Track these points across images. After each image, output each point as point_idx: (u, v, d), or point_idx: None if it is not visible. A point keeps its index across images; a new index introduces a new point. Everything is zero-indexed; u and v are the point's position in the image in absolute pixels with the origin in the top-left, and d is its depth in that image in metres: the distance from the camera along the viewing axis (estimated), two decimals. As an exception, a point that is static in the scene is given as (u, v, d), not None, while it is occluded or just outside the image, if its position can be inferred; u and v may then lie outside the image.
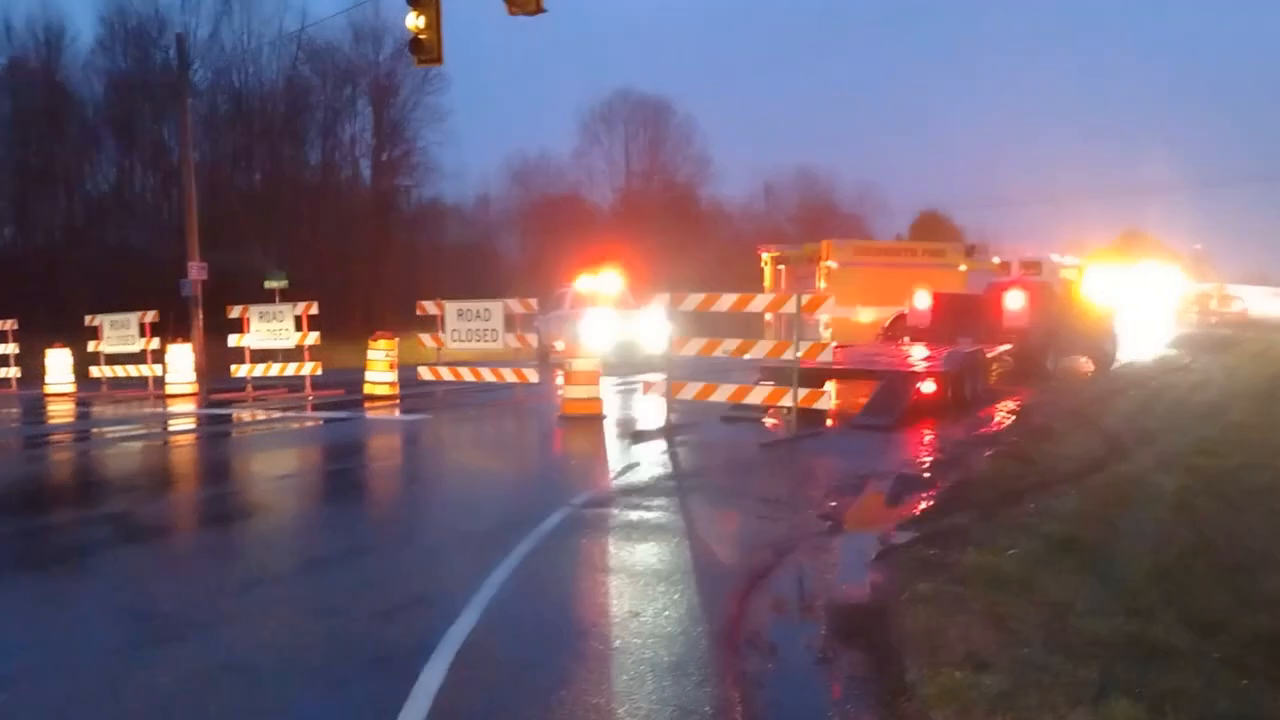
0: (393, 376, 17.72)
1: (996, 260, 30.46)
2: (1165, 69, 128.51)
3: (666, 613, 5.64)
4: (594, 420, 13.91)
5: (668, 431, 12.82)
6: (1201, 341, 33.56)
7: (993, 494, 8.70)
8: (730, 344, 13.11)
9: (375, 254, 38.96)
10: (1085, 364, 22.50)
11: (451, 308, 16.77)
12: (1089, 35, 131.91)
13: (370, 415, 15.83)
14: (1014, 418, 14.30)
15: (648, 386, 13.80)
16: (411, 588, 6.29)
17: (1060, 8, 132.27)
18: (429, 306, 17.25)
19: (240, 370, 19.43)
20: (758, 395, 13.10)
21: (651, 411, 14.45)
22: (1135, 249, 55.53)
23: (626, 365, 21.82)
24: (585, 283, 27.41)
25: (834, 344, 14.70)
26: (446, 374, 16.78)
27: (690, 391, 13.42)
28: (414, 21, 15.08)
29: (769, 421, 13.93)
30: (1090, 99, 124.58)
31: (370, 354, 17.90)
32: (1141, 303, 36.98)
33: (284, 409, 16.53)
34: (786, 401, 12.54)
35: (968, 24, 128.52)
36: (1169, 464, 9.86)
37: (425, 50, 15.29)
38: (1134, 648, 4.88)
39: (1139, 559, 6.51)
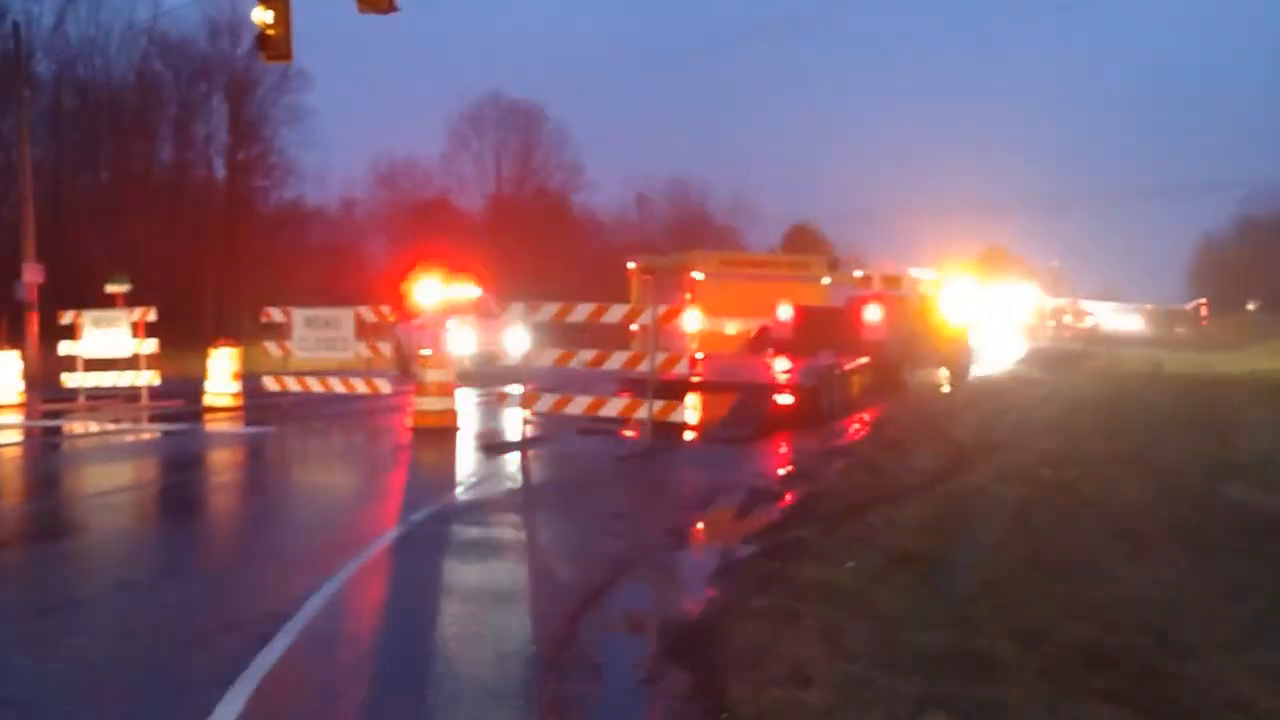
0: (236, 387, 16.97)
1: (858, 274, 31.06)
2: (1027, 90, 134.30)
3: (494, 634, 5.40)
4: (447, 433, 13.53)
5: (522, 445, 12.55)
6: (1053, 356, 34.91)
7: (839, 506, 8.72)
8: (586, 355, 12.93)
9: (229, 257, 37.57)
10: (942, 377, 23.08)
11: (299, 315, 16.13)
12: (955, 55, 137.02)
13: (209, 428, 15.11)
14: (868, 430, 14.49)
15: (501, 398, 13.51)
16: (225, 612, 5.89)
17: (929, 28, 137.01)
18: (275, 313, 16.57)
19: (72, 379, 18.34)
20: (614, 407, 12.94)
21: (509, 424, 14.16)
22: (995, 265, 57.61)
23: (488, 376, 21.44)
24: (447, 290, 26.85)
25: (696, 355, 14.66)
26: (294, 384, 16.13)
27: (546, 403, 13.18)
28: (261, 16, 14.49)
29: (628, 434, 13.79)
30: (956, 118, 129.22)
31: (211, 363, 17.11)
32: (998, 317, 38.32)
33: (117, 421, 15.64)
34: (643, 414, 12.41)
35: (840, 40, 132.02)
36: (1011, 475, 10.05)
37: (274, 46, 14.71)
38: (959, 660, 4.86)
39: (972, 571, 6.54)
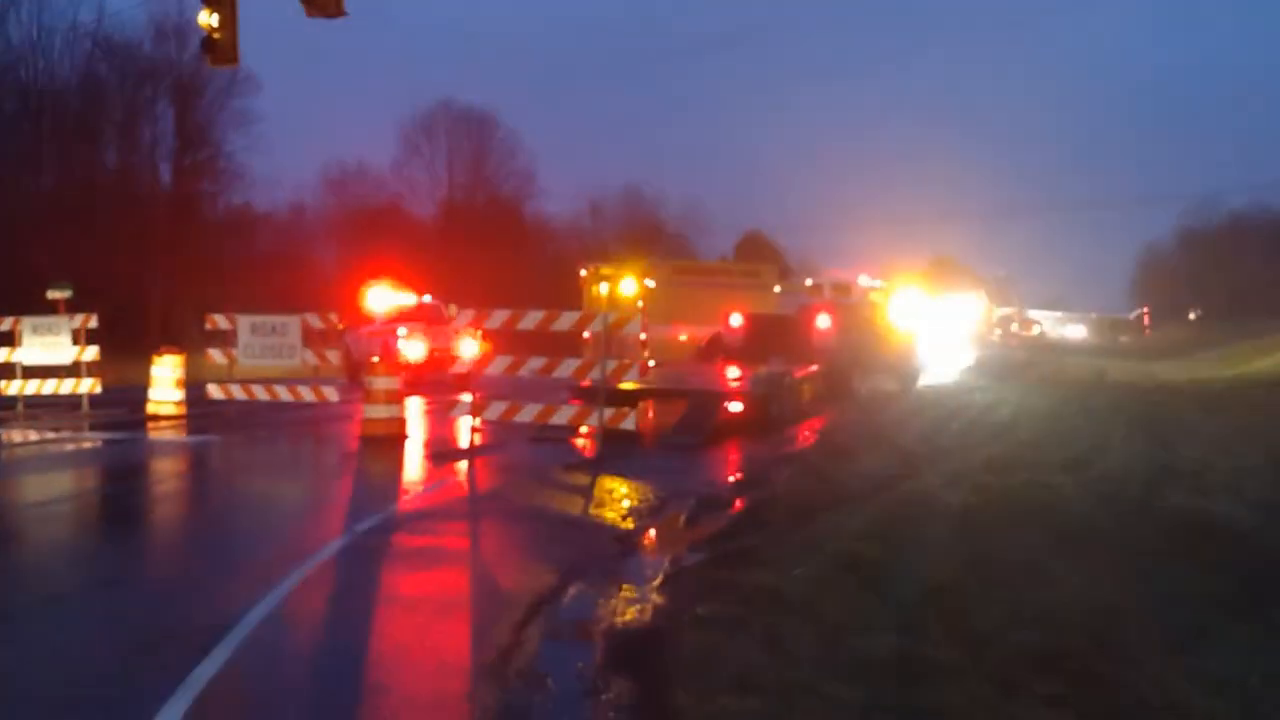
0: (180, 395, 16.66)
1: (809, 282, 31.29)
2: (975, 103, 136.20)
3: (436, 645, 5.34)
4: (395, 441, 13.38)
5: (471, 453, 12.46)
6: (1000, 363, 35.33)
7: (787, 513, 8.72)
8: (536, 362, 12.87)
9: (175, 264, 36.91)
10: (891, 384, 23.26)
11: (245, 322, 15.89)
12: (905, 68, 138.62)
13: (152, 436, 14.81)
14: (817, 437, 14.55)
15: (449, 406, 13.41)
16: (164, 623, 5.77)
17: (880, 41, 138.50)
18: (220, 320, 16.32)
19: (11, 387, 17.91)
20: (565, 415, 12.89)
21: (459, 432, 14.05)
22: (943, 274, 58.27)
23: (437, 384, 21.26)
24: (397, 297, 26.63)
25: (648, 363, 14.65)
26: (239, 393, 15.89)
27: (495, 411, 13.10)
28: (207, 20, 14.29)
29: (579, 442, 13.74)
30: (906, 129, 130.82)
31: (154, 370, 16.78)
32: (946, 326, 38.73)
33: (57, 429, 15.30)
34: (593, 421, 12.37)
35: (793, 51, 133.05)
36: (957, 481, 10.13)
37: (219, 50, 14.51)
38: (903, 666, 4.87)
39: (917, 576, 6.58)
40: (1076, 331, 66.11)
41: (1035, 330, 64.65)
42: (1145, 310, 70.12)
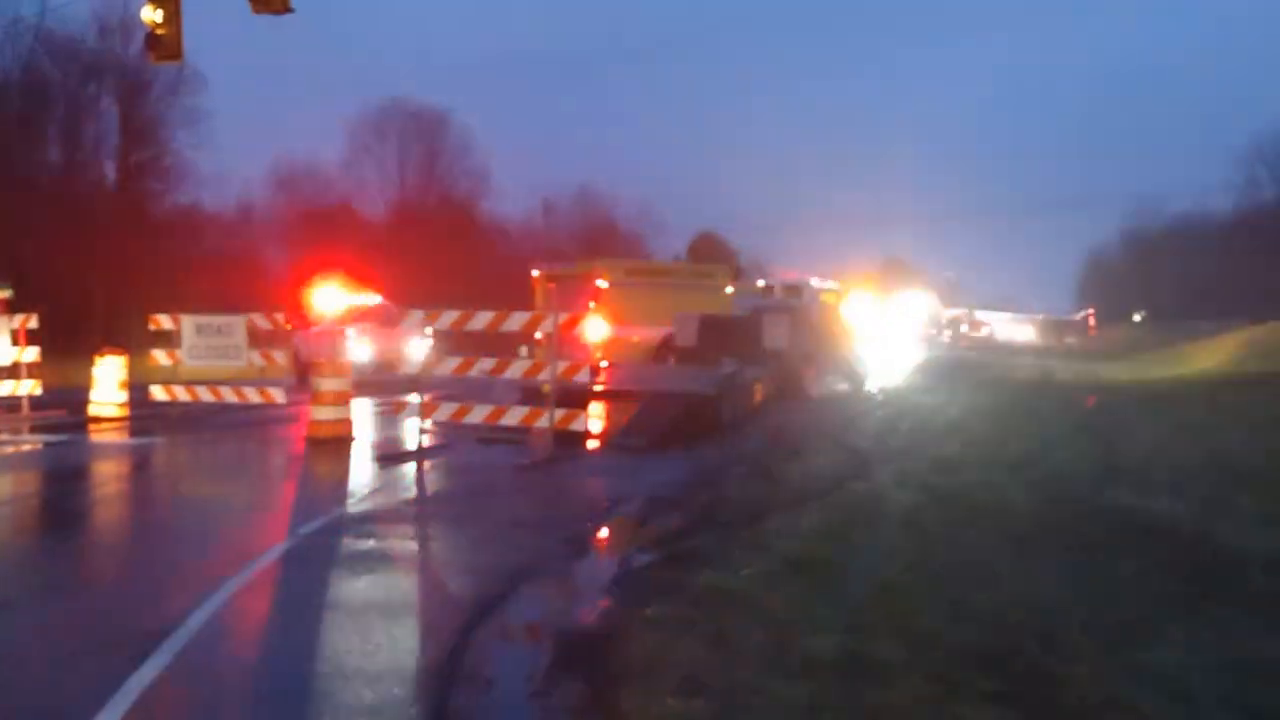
0: (123, 397, 16.34)
1: (761, 283, 31.42)
2: (926, 107, 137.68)
3: (380, 650, 5.26)
4: (342, 443, 13.22)
5: (419, 454, 12.34)
6: (949, 364, 35.70)
7: (737, 514, 8.74)
8: (486, 363, 12.77)
9: (120, 263, 36.22)
10: (842, 385, 23.41)
11: (189, 322, 15.62)
12: (858, 72, 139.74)
13: (94, 438, 14.51)
14: (768, 437, 14.59)
15: (399, 407, 13.27)
16: (101, 630, 5.63)
17: (833, 45, 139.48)
18: (164, 321, 16.03)
19: (-52, 389, 17.47)
20: (515, 416, 12.80)
21: (408, 434, 13.91)
22: (894, 275, 58.84)
23: (387, 385, 21.05)
24: (346, 298, 26.32)
25: (600, 363, 14.60)
26: (184, 394, 15.61)
27: (445, 413, 12.99)
28: (151, 15, 14.06)
29: (529, 443, 13.65)
30: (859, 132, 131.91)
31: (97, 372, 16.44)
32: (896, 327, 39.09)
33: (-5, 431, 14.93)
34: (544, 422, 12.31)
35: (747, 53, 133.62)
36: (906, 481, 10.21)
37: (163, 46, 14.28)
38: (850, 665, 4.88)
39: (865, 576, 6.61)
40: (1024, 332, 66.99)
41: (984, 331, 65.39)
42: (1091, 311, 71.28)
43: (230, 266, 42.75)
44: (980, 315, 68.12)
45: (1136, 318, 70.92)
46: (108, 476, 11.77)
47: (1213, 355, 31.64)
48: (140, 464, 12.56)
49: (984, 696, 4.55)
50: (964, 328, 63.58)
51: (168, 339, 16.04)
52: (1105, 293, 79.26)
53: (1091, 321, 69.89)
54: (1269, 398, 17.43)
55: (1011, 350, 51.48)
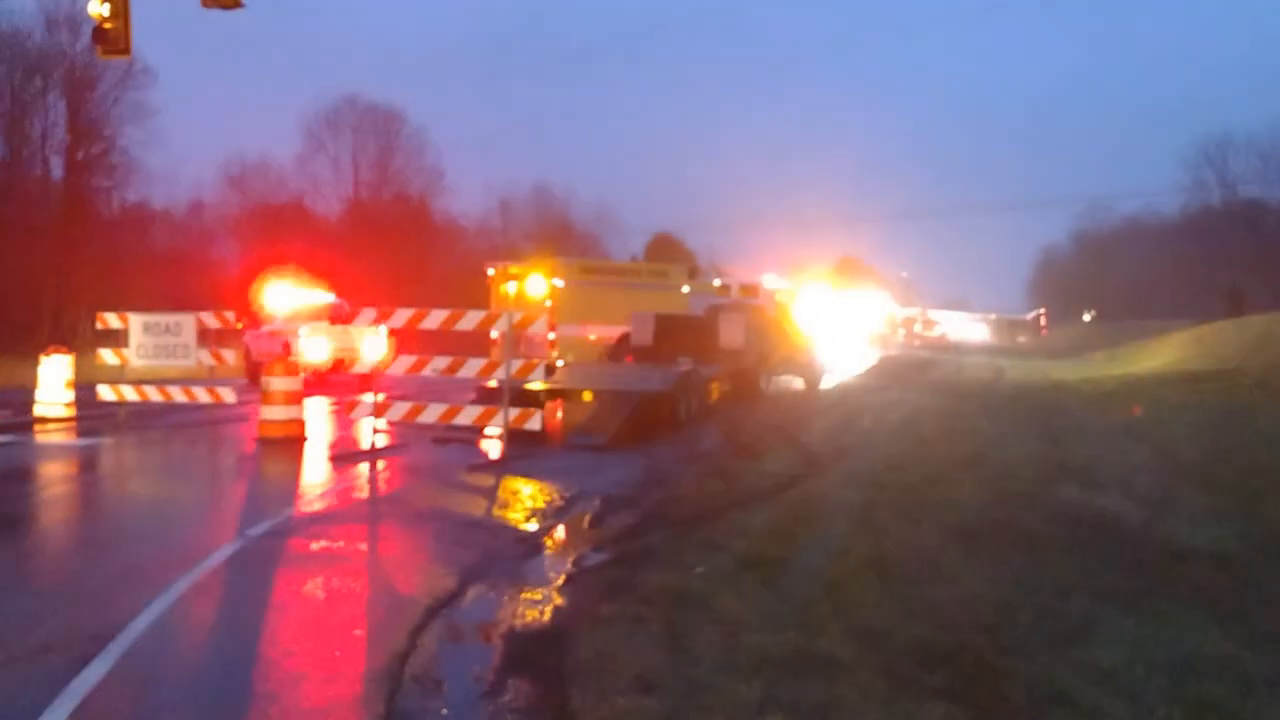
0: (69, 396, 16.04)
1: (717, 283, 31.45)
2: (882, 108, 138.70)
3: (329, 651, 5.21)
4: (294, 443, 13.07)
5: (372, 454, 12.23)
6: (903, 363, 36.02)
7: (691, 512, 8.76)
8: (440, 362, 12.69)
9: (67, 261, 35.62)
10: (797, 384, 23.54)
11: (137, 321, 15.35)
12: (813, 73, 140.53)
13: (39, 439, 14.23)
14: (723, 436, 14.63)
15: (351, 407, 13.15)
16: (40, 634, 5.51)
17: (788, 46, 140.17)
18: (111, 319, 15.75)
19: (-112, 389, 17.09)
20: (469, 415, 12.73)
21: (360, 433, 13.79)
22: (849, 275, 59.22)
23: (339, 384, 20.86)
24: (299, 296, 26.04)
25: (555, 363, 14.54)
26: (132, 394, 15.35)
27: (399, 412, 12.89)
28: (98, 9, 13.82)
29: (484, 443, 13.59)
30: (815, 133, 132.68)
31: (42, 371, 16.13)
32: (851, 326, 39.36)
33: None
34: (499, 422, 12.25)
35: (703, 54, 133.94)
36: (858, 480, 10.28)
37: (111, 40, 14.05)
38: (799, 661, 4.91)
39: (817, 573, 6.65)
40: (977, 332, 67.76)
41: (937, 330, 66.02)
42: (1042, 311, 72.24)
43: (181, 264, 42.20)
44: (933, 315, 68.80)
45: (1087, 317, 71.97)
46: (53, 478, 11.55)
47: (1160, 353, 32.18)
48: (87, 465, 12.33)
49: (932, 692, 4.59)
50: (917, 327, 64.17)
51: (116, 338, 15.76)
52: (1056, 293, 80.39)
53: (1043, 321, 70.83)
54: (1214, 395, 17.75)
55: (964, 349, 52.04)
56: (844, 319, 37.19)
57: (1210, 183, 68.61)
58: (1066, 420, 16.00)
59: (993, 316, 71.98)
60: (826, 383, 24.66)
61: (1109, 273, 75.70)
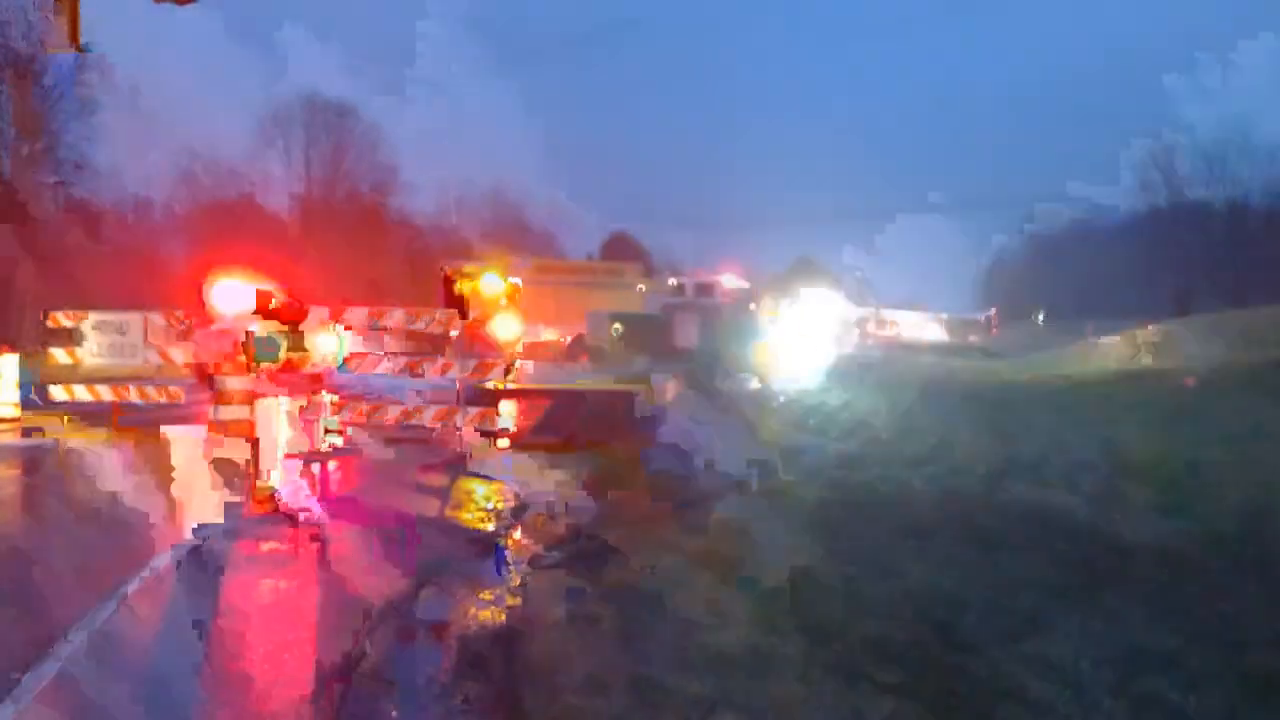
0: (16, 396, 15.69)
1: (673, 282, 31.54)
2: (838, 108, 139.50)
3: (280, 654, 5.15)
4: (244, 443, 12.87)
5: (325, 454, 12.10)
6: (857, 362, 36.24)
7: (645, 511, 8.78)
8: (396, 361, 12.57)
9: (12, 259, 34.90)
10: (752, 383, 23.63)
11: (89, 319, 15.07)
12: (768, 72, 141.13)
13: (-16, 440, 13.94)
14: (678, 435, 14.64)
15: (305, 406, 12.97)
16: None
17: (742, 45, 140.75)
18: (62, 318, 15.44)
19: None
20: (425, 415, 12.62)
21: (314, 433, 13.62)
22: (805, 274, 59.51)
23: (293, 383, 20.56)
24: (249, 294, 25.71)
25: (510, 362, 14.45)
26: (84, 393, 15.06)
27: (352, 411, 12.75)
28: (45, 2, 13.56)
29: (439, 443, 13.49)
30: (771, 132, 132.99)
31: (-14, 370, 15.79)
32: (805, 325, 39.55)
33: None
34: (455, 421, 12.17)
35: (658, 52, 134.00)
36: (813, 477, 10.37)
37: (57, 34, 13.77)
38: (751, 659, 4.94)
39: (771, 570, 6.69)
40: (930, 331, 68.29)
41: (891, 330, 66.44)
42: (994, 311, 73.06)
43: (130, 262, 41.50)
44: (887, 314, 69.23)
45: (1038, 317, 72.86)
46: (-3, 479, 11.32)
47: (1108, 353, 32.67)
48: (32, 466, 12.08)
49: (883, 688, 4.64)
50: (872, 326, 64.54)
51: (67, 336, 15.44)
52: (1007, 293, 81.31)
53: (994, 321, 71.62)
54: (1159, 393, 18.08)
55: (917, 349, 52.47)
56: (799, 318, 37.39)
57: (1157, 185, 69.81)
58: (1016, 418, 16.22)
59: (945, 316, 72.59)
60: (781, 381, 24.78)
61: (1059, 273, 76.71)
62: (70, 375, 15.49)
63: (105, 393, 15.07)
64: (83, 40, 14.31)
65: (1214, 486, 10.19)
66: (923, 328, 68.77)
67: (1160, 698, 4.81)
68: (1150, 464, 11.48)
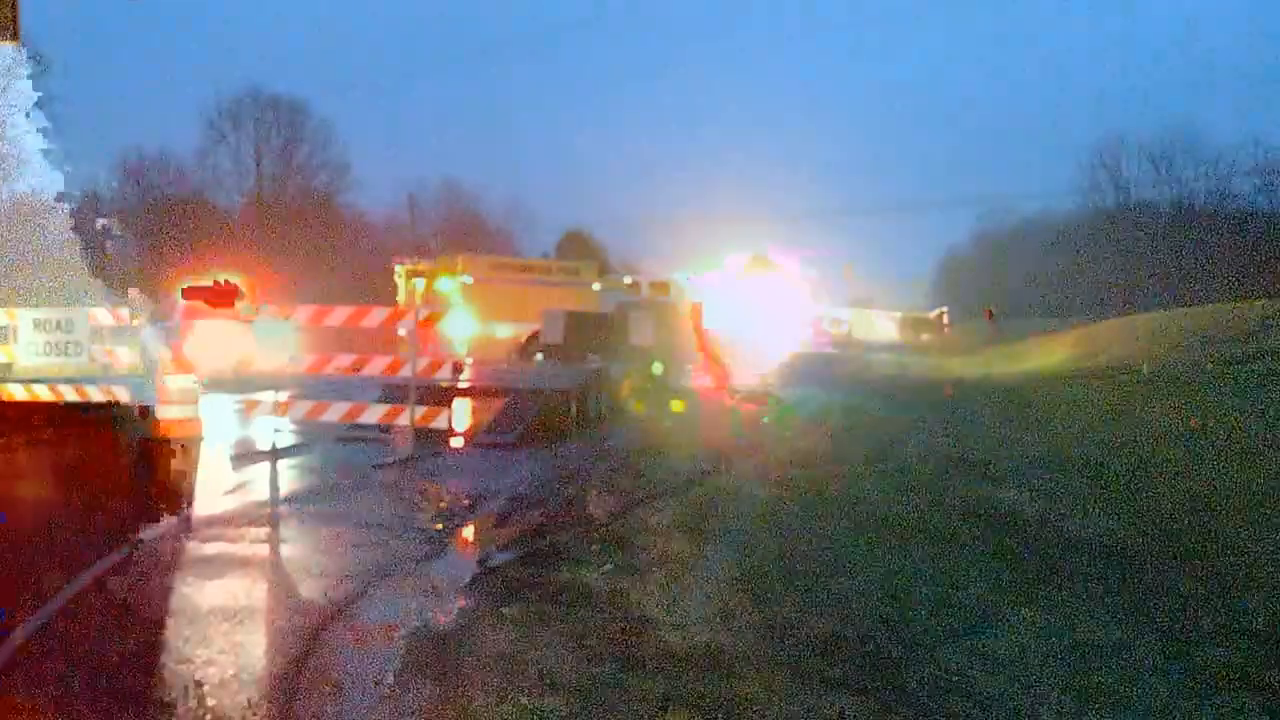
0: (-56, 396, 15.32)
1: (628, 280, 31.54)
2: (793, 107, 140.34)
3: (225, 657, 5.05)
4: (190, 443, 12.67)
5: (272, 454, 11.95)
6: (812, 360, 36.47)
7: (600, 510, 8.77)
8: (344, 360, 12.45)
9: (-50, 255, 34.13)
10: (707, 381, 23.65)
11: (26, 316, 14.76)
12: (724, 72, 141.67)
13: (-84, 441, 13.59)
14: (632, 433, 14.65)
15: (251, 406, 12.82)
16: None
17: (699, 44, 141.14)
18: (-1, 315, 15.12)
19: None
20: (374, 414, 12.50)
21: (260, 433, 13.44)
22: (761, 272, 59.66)
23: (239, 382, 20.30)
24: (196, 291, 25.31)
25: (465, 360, 14.39)
26: (20, 393, 14.73)
27: (301, 410, 12.61)
28: (-20, -10, 13.26)
29: (389, 442, 13.36)
30: (727, 131, 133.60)
31: (-83, 370, 15.42)
32: (760, 323, 39.69)
33: None
34: (404, 420, 12.06)
35: (614, 50, 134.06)
36: (765, 475, 10.39)
37: (-4, 24, 13.49)
38: (704, 657, 4.92)
39: (724, 568, 6.69)
40: (884, 330, 68.86)
41: (844, 328, 66.94)
42: (944, 309, 73.81)
43: (76, 258, 40.69)
44: (840, 313, 69.75)
45: (988, 315, 73.71)
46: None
47: (1056, 350, 33.15)
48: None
49: (834, 684, 4.64)
50: (825, 324, 64.97)
51: (2, 335, 15.13)
52: (958, 291, 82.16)
53: (945, 319, 72.36)
54: (1106, 390, 18.37)
55: (871, 347, 52.89)
56: (754, 316, 37.52)
57: (1105, 185, 71.12)
58: (966, 416, 16.39)
59: (898, 314, 73.29)
60: (735, 380, 24.84)
61: (1009, 272, 77.72)
62: (6, 375, 15.16)
63: (43, 393, 14.76)
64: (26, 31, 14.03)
65: (1159, 483, 10.36)
66: (875, 326, 69.34)
67: (1108, 690, 4.86)
68: (1097, 460, 11.65)
